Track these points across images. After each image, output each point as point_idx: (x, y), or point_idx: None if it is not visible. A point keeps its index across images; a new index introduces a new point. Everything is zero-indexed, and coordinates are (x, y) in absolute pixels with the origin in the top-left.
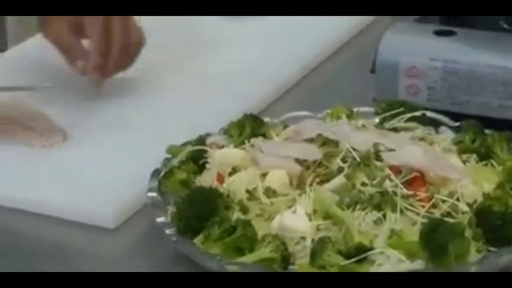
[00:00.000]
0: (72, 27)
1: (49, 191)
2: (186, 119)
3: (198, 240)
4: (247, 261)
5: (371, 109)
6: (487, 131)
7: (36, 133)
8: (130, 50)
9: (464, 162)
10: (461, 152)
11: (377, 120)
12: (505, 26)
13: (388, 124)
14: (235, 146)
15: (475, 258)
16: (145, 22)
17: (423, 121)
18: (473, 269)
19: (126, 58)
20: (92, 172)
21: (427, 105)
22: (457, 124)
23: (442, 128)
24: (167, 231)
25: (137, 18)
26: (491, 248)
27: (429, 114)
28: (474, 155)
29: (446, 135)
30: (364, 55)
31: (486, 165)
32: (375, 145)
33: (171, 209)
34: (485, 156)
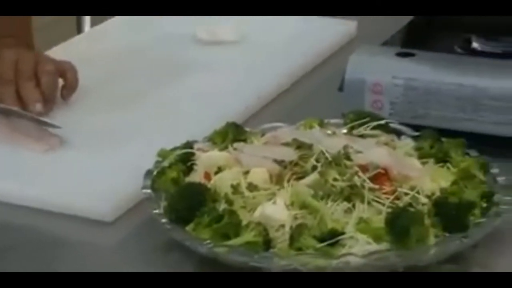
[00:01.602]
0: None
1: (52, 189)
2: (172, 130)
3: (189, 228)
4: (234, 244)
5: (340, 121)
6: (443, 139)
7: (35, 140)
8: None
9: (423, 164)
10: (420, 157)
11: (345, 130)
12: (459, 50)
13: (355, 132)
14: (220, 150)
15: (433, 242)
16: (127, 45)
17: (387, 129)
18: (431, 251)
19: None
20: (90, 172)
21: (390, 119)
22: (417, 133)
23: (403, 138)
24: (162, 220)
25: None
26: (447, 234)
27: (392, 124)
28: (432, 159)
29: (408, 142)
30: (333, 77)
31: (442, 167)
32: (345, 147)
33: (164, 204)
34: (442, 160)
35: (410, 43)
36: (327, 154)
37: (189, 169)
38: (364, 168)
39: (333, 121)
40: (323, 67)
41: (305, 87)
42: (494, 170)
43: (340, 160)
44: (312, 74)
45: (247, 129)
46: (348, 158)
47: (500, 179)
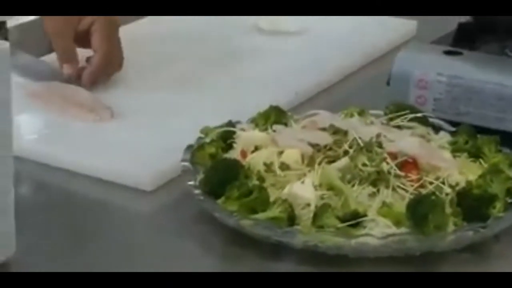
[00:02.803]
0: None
1: (96, 156)
2: (220, 111)
3: (220, 201)
4: (259, 218)
5: (381, 112)
6: (479, 136)
7: (87, 110)
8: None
9: (455, 157)
10: (454, 151)
11: (384, 120)
12: (510, 53)
13: (393, 123)
14: (260, 131)
15: (451, 230)
16: (188, 30)
17: (425, 123)
18: (448, 238)
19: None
20: (135, 144)
21: (433, 114)
22: (454, 129)
23: (441, 133)
24: (196, 191)
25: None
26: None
27: (431, 119)
28: (465, 153)
29: (443, 135)
30: (387, 72)
31: (474, 162)
32: (378, 135)
33: (200, 177)
34: (475, 155)
35: (461, 43)
36: (359, 141)
37: (229, 147)
38: (393, 156)
39: (375, 111)
40: (379, 63)
41: (359, 80)
42: None
43: (371, 147)
44: (367, 68)
45: (289, 113)
46: (380, 145)
47: None
